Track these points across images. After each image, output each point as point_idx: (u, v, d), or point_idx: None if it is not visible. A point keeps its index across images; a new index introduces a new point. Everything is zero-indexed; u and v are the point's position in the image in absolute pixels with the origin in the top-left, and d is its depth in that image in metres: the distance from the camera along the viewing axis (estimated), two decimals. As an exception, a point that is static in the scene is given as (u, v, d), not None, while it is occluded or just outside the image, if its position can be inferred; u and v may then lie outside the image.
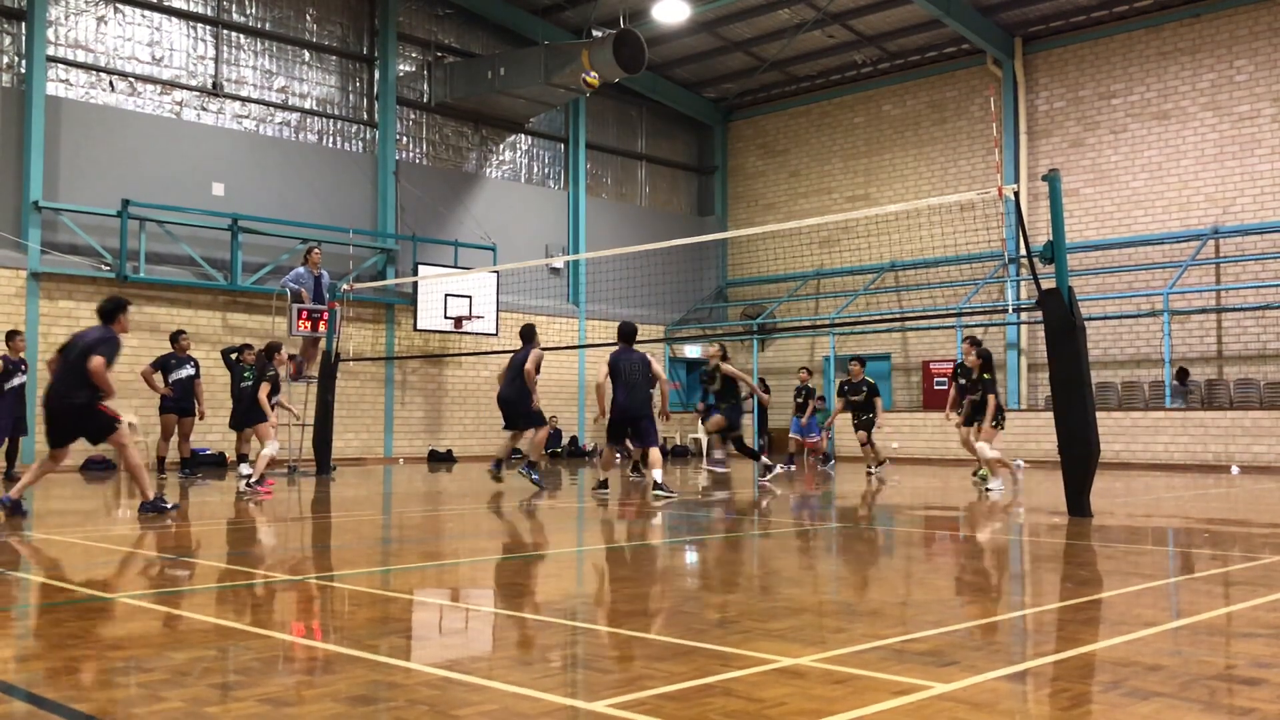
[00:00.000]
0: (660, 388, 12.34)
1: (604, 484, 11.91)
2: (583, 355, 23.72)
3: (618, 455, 12.91)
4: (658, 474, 11.41)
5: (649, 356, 11.93)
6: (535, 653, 4.18)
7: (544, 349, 12.97)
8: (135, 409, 17.07)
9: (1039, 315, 10.28)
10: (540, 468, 12.92)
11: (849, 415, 16.34)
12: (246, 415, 13.86)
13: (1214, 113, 20.58)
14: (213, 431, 17.29)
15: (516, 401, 12.49)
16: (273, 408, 13.54)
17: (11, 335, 14.31)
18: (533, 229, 23.40)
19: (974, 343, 13.51)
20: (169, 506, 9.36)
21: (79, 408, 8.90)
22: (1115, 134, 21.65)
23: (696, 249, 24.02)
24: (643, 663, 3.83)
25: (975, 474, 13.79)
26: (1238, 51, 20.40)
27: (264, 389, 13.38)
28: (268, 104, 19.73)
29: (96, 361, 8.73)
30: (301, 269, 16.67)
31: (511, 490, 12.29)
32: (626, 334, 12.01)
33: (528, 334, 12.76)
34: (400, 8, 21.47)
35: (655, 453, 11.69)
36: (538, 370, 12.47)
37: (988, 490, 12.49)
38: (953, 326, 22.27)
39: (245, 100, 19.45)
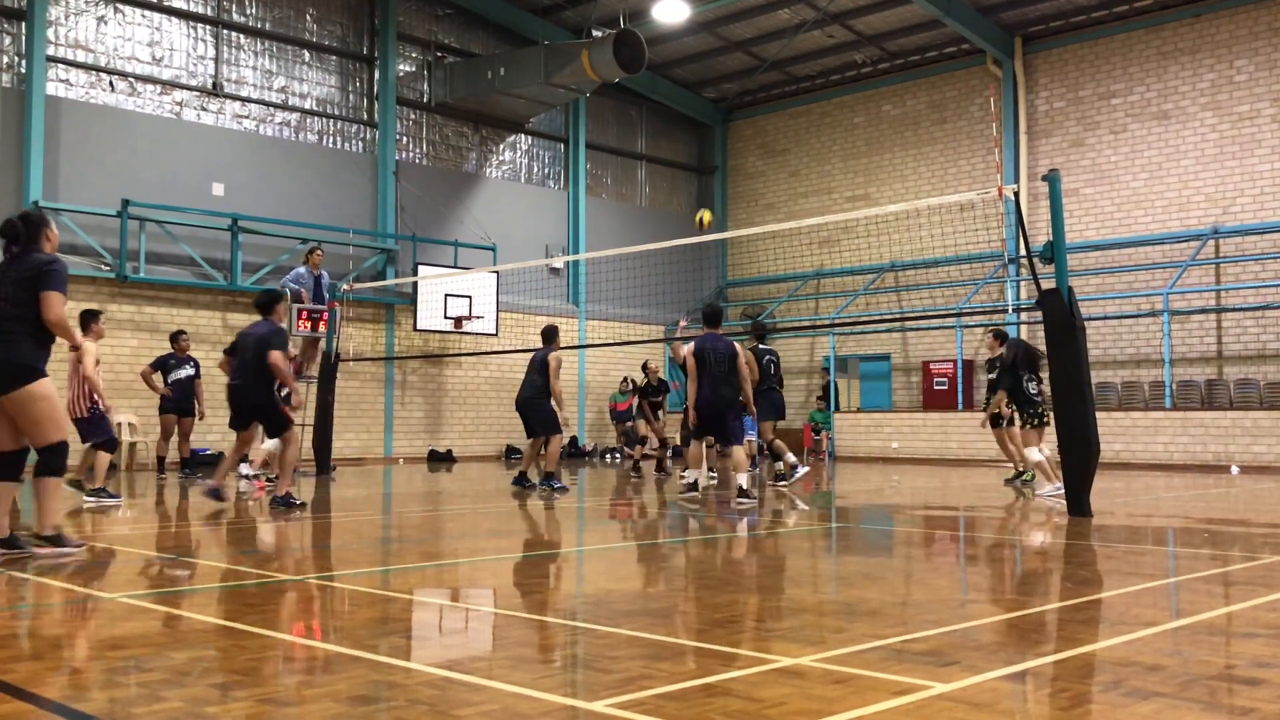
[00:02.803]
0: (743, 385, 10.74)
1: (694, 485, 10.93)
2: (583, 355, 23.71)
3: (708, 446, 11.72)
4: (743, 478, 10.32)
5: (736, 345, 10.67)
6: (535, 653, 4.18)
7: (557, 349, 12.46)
8: (135, 409, 17.10)
9: (1039, 315, 10.27)
10: (559, 476, 12.16)
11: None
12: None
13: (1214, 113, 20.58)
14: (213, 431, 17.28)
15: (532, 401, 12.23)
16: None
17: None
18: (533, 229, 23.40)
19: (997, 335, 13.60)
20: (298, 503, 9.76)
21: None
22: (1115, 134, 21.64)
23: (696, 249, 23.97)
24: (643, 663, 3.82)
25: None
26: (1238, 51, 20.39)
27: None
28: (268, 104, 19.72)
29: None
30: (302, 269, 16.69)
31: (501, 491, 12.24)
32: (711, 317, 10.77)
33: (550, 334, 12.51)
34: (400, 8, 21.46)
35: (740, 453, 10.63)
36: (557, 374, 12.07)
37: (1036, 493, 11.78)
38: (953, 327, 22.27)
39: (245, 100, 19.45)
